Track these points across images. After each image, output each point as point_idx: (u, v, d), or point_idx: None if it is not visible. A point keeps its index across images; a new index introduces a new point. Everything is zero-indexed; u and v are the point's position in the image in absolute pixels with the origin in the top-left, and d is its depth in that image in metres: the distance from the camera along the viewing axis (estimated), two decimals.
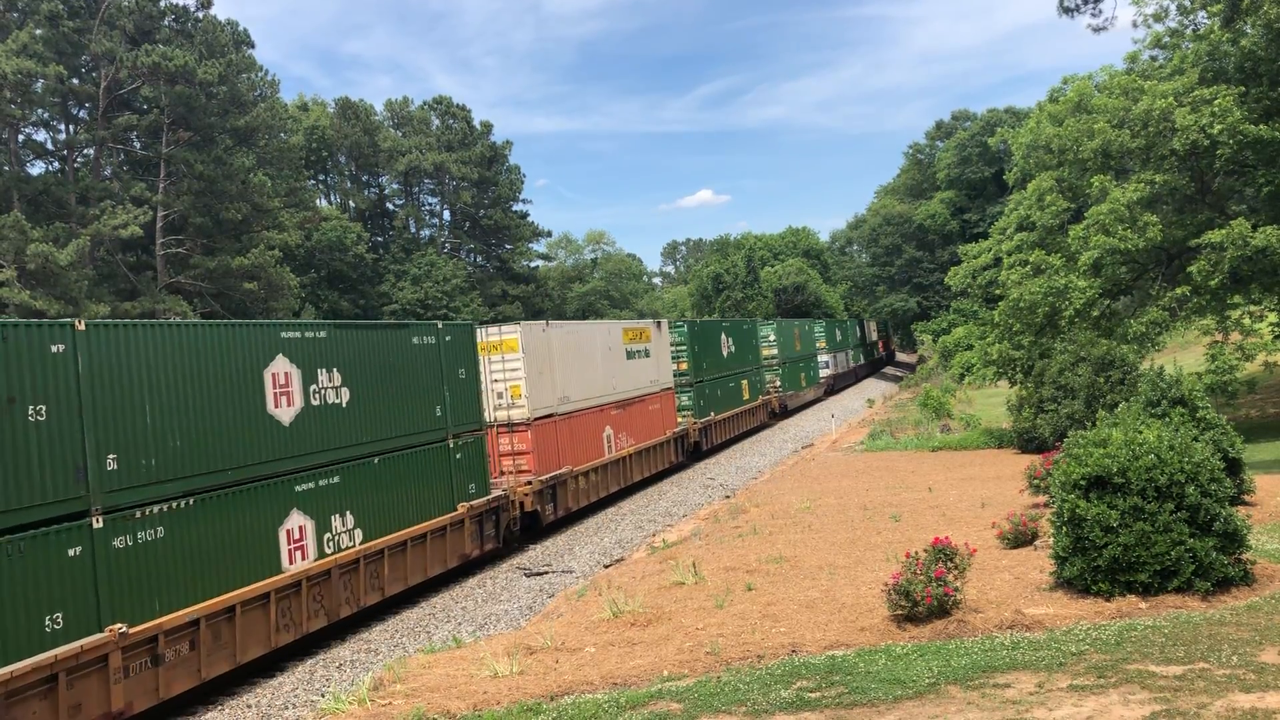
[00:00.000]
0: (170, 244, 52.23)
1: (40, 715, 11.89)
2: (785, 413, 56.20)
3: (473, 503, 21.95)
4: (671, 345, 38.29)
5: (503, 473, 25.15)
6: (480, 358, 23.83)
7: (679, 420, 37.67)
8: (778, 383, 54.44)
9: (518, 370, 25.34)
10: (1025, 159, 33.78)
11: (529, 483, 24.99)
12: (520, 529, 25.00)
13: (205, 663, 14.52)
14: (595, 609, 15.64)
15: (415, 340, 20.74)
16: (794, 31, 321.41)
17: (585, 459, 28.37)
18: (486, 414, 24.19)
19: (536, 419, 25.72)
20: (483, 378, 24.10)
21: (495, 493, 23.18)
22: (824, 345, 69.02)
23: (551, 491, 26.16)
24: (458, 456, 21.60)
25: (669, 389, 36.59)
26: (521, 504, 24.73)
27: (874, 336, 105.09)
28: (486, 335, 25.37)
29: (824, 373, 68.41)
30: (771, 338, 54.98)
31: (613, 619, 14.84)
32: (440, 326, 21.69)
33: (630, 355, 32.61)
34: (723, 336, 45.39)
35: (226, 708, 15.05)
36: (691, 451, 39.03)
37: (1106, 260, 28.71)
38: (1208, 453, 13.10)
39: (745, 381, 47.52)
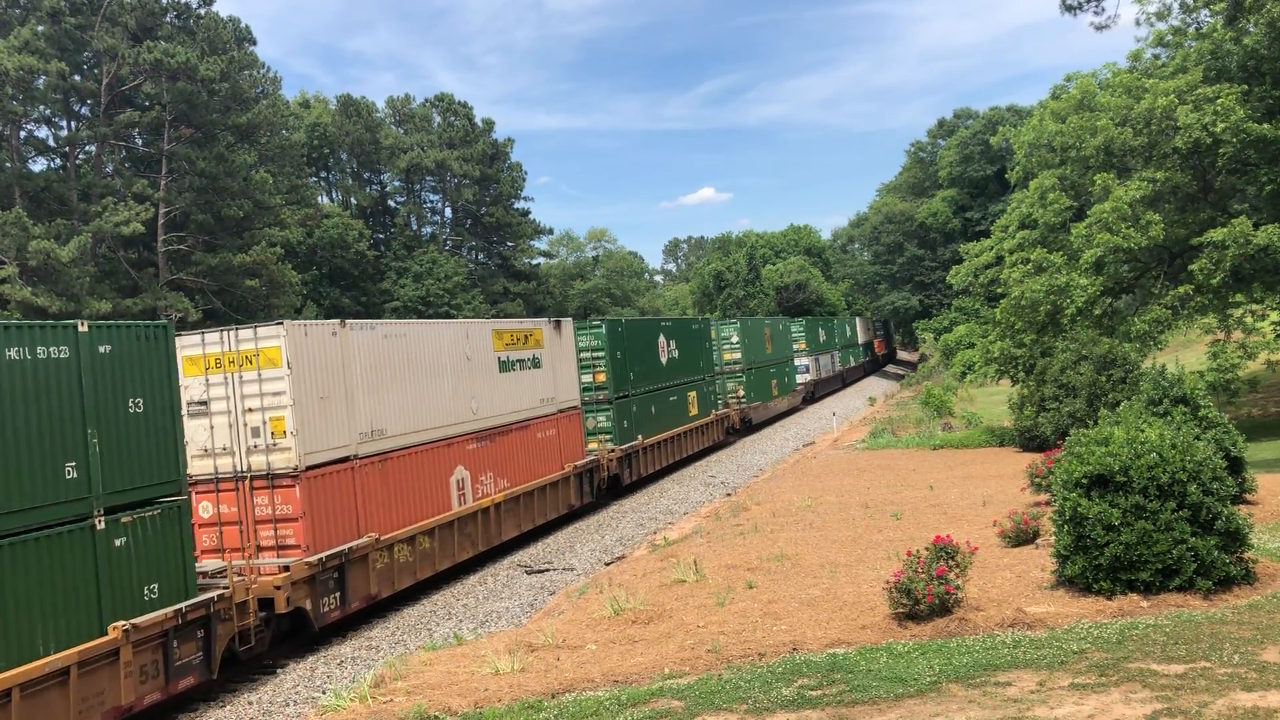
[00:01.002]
0: (172, 241, 52.22)
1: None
2: (749, 428, 48.88)
3: (145, 618, 13.57)
4: (581, 352, 30.77)
5: (260, 548, 17.03)
6: (205, 378, 17.46)
7: (589, 448, 30.02)
8: (741, 393, 47.30)
9: (281, 395, 17.16)
10: (1027, 157, 33.77)
11: (286, 568, 16.55)
12: (265, 646, 16.41)
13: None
14: (596, 606, 15.65)
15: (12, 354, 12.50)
16: (796, 29, 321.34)
17: (414, 517, 20.15)
18: (235, 459, 17.26)
19: (311, 467, 17.31)
20: (230, 404, 17.39)
21: (209, 594, 14.81)
22: (803, 347, 62.44)
23: (336, 577, 17.63)
24: (117, 544, 13.42)
25: (573, 409, 28.81)
26: (268, 606, 16.13)
27: (868, 335, 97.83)
28: (234, 343, 17.36)
29: (802, 379, 61.54)
30: (734, 339, 47.93)
31: (614, 616, 14.85)
32: (85, 330, 13.52)
33: (507, 367, 24.95)
34: (661, 340, 37.25)
35: (229, 704, 15.07)
36: (607, 487, 31.10)
37: (1109, 258, 28.71)
38: (1209, 451, 13.10)
39: (693, 394, 39.77)
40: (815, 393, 64.79)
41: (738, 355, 48.13)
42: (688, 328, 41.66)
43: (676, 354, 38.65)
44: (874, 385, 78.13)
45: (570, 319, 31.01)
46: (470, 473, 22.68)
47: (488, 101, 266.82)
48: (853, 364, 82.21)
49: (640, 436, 33.64)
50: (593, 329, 32.04)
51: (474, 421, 23.14)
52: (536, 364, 26.82)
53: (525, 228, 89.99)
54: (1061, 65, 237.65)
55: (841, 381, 75.62)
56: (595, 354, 31.64)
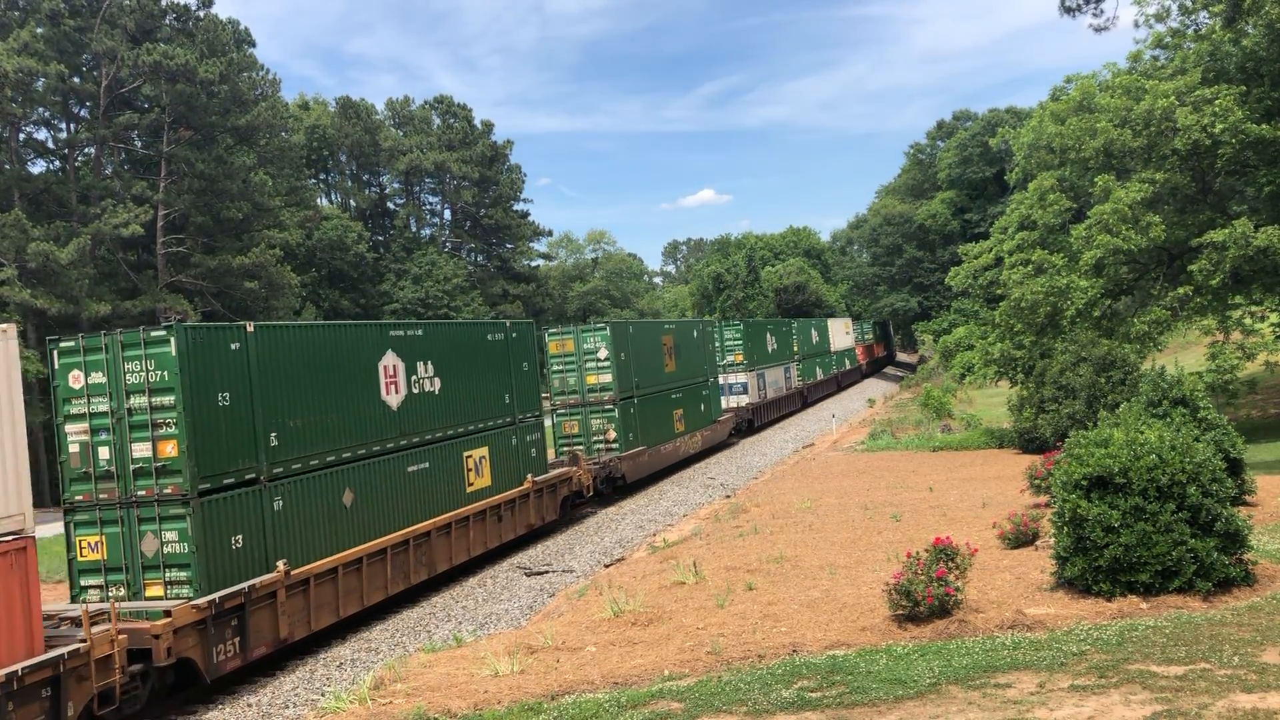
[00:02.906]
0: (171, 243, 52.22)
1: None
2: (601, 497, 30.97)
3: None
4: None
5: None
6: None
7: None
8: (612, 434, 31.30)
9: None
10: (1027, 159, 33.79)
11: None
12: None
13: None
14: (596, 608, 15.63)
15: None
16: (797, 31, 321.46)
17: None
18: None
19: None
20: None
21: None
22: (739, 360, 47.90)
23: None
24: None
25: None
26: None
27: (856, 339, 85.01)
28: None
29: (734, 402, 46.90)
30: (602, 355, 31.32)
31: (613, 618, 14.84)
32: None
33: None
34: (434, 358, 21.59)
35: (228, 706, 15.05)
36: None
37: (1108, 260, 28.72)
38: (1209, 453, 13.09)
39: (480, 451, 23.07)
40: (756, 420, 48.63)
41: (609, 379, 31.32)
42: (477, 334, 23.88)
43: (446, 382, 21.92)
44: (873, 387, 78.08)
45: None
46: None
47: (488, 103, 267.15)
48: (820, 378, 66.33)
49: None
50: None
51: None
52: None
53: (524, 229, 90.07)
54: (1061, 67, 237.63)
55: (800, 401, 59.97)
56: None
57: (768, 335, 53.62)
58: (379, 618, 19.57)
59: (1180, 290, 28.31)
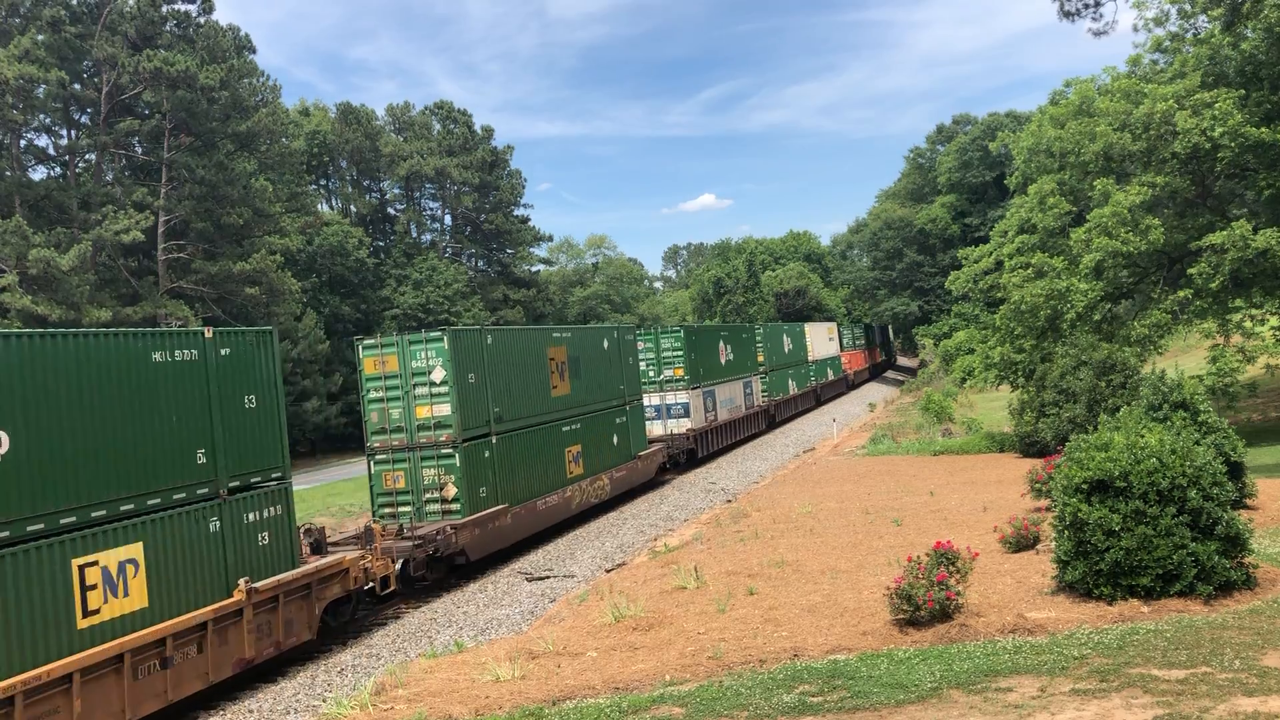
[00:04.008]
0: (172, 249, 52.25)
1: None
2: (415, 588, 22.17)
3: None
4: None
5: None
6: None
7: None
8: (451, 491, 22.73)
9: None
10: (1026, 163, 33.82)
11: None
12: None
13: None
14: (597, 613, 15.63)
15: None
16: (797, 36, 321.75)
17: None
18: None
19: None
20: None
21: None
22: (679, 375, 39.21)
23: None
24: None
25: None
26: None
27: (845, 345, 77.25)
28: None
29: (670, 428, 38.51)
30: (437, 376, 23.10)
31: (614, 623, 14.84)
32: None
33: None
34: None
35: (228, 713, 15.05)
36: None
37: (1108, 263, 28.74)
38: (1209, 456, 13.09)
39: (123, 556, 13.78)
40: (701, 449, 40.25)
41: (444, 410, 22.87)
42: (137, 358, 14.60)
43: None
44: (873, 392, 78.07)
45: None
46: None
47: (489, 109, 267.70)
48: (794, 392, 58.35)
49: None
50: None
51: None
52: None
53: (525, 235, 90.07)
54: (1060, 71, 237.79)
55: (766, 421, 51.59)
56: None
57: (720, 345, 44.71)
58: (379, 622, 19.58)
59: (1180, 293, 28.33)
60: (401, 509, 22.82)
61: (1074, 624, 12.02)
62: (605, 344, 31.88)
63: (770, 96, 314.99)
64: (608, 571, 21.81)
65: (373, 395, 23.21)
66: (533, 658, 13.57)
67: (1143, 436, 13.18)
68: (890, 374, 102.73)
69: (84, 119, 54.45)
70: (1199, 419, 17.77)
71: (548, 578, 22.43)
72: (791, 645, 12.65)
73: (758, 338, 52.58)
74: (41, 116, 52.68)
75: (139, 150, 55.09)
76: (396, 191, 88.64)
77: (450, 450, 22.63)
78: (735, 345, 47.19)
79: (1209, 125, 26.47)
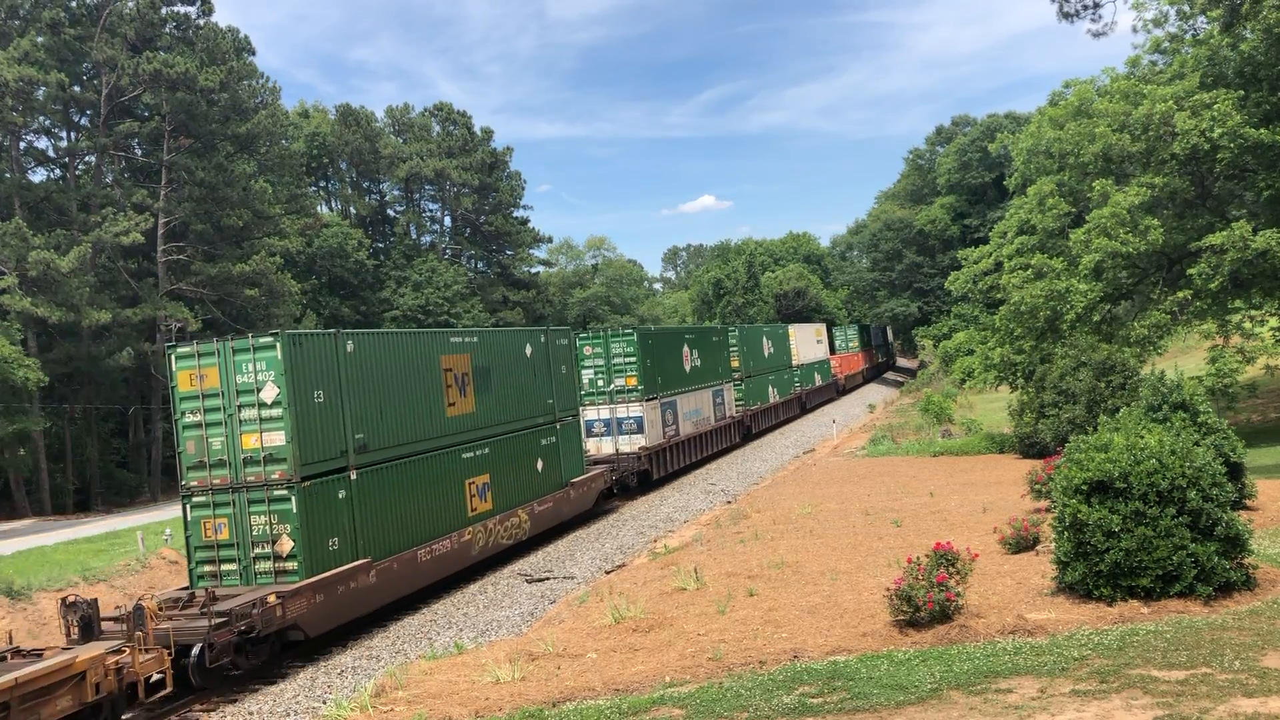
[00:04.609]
0: (171, 251, 52.25)
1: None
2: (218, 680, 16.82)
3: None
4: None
5: None
6: None
7: None
8: (287, 545, 17.73)
9: None
10: (1026, 164, 33.84)
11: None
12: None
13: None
14: (597, 615, 15.63)
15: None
16: (797, 37, 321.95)
17: None
18: None
19: None
20: None
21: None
22: (632, 385, 34.70)
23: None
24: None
25: None
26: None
27: (823, 351, 70.30)
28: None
29: (622, 446, 34.21)
30: (269, 395, 17.87)
31: (614, 625, 14.84)
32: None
33: None
34: None
35: (229, 715, 15.05)
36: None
37: (1107, 264, 28.75)
38: (1209, 457, 13.09)
39: None
40: (657, 469, 35.49)
41: (278, 439, 17.96)
42: None
43: None
44: (872, 393, 78.07)
45: None
46: None
47: (489, 110, 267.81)
48: (775, 400, 53.55)
49: None
50: None
51: None
52: None
53: (524, 236, 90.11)
54: (1060, 72, 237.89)
55: (740, 433, 46.56)
56: None
57: (684, 350, 39.85)
58: (380, 624, 19.58)
59: (1180, 294, 28.34)
60: (226, 568, 17.89)
61: (1074, 625, 12.02)
62: (528, 350, 26.68)
63: (770, 98, 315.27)
64: (607, 573, 21.82)
65: (189, 419, 18.19)
66: (532, 659, 13.57)
67: (1142, 437, 13.19)
68: (890, 375, 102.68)
69: (84, 121, 54.46)
70: (1198, 420, 17.78)
71: (547, 579, 22.43)
72: (791, 646, 12.65)
73: (731, 341, 47.93)
74: (41, 118, 52.69)
75: (139, 152, 55.10)
76: (396, 193, 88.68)
77: (284, 491, 17.50)
78: (703, 349, 42.36)
79: (1208, 126, 26.48)
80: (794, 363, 59.77)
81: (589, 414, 33.71)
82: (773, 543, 20.30)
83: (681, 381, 38.99)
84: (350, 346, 19.39)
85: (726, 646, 12.93)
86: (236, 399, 17.85)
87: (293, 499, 17.46)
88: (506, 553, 24.69)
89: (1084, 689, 9.84)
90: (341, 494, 18.60)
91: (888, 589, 13.18)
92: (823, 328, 73.83)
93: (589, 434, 33.47)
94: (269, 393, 17.64)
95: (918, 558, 13.13)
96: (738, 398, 47.17)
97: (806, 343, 64.49)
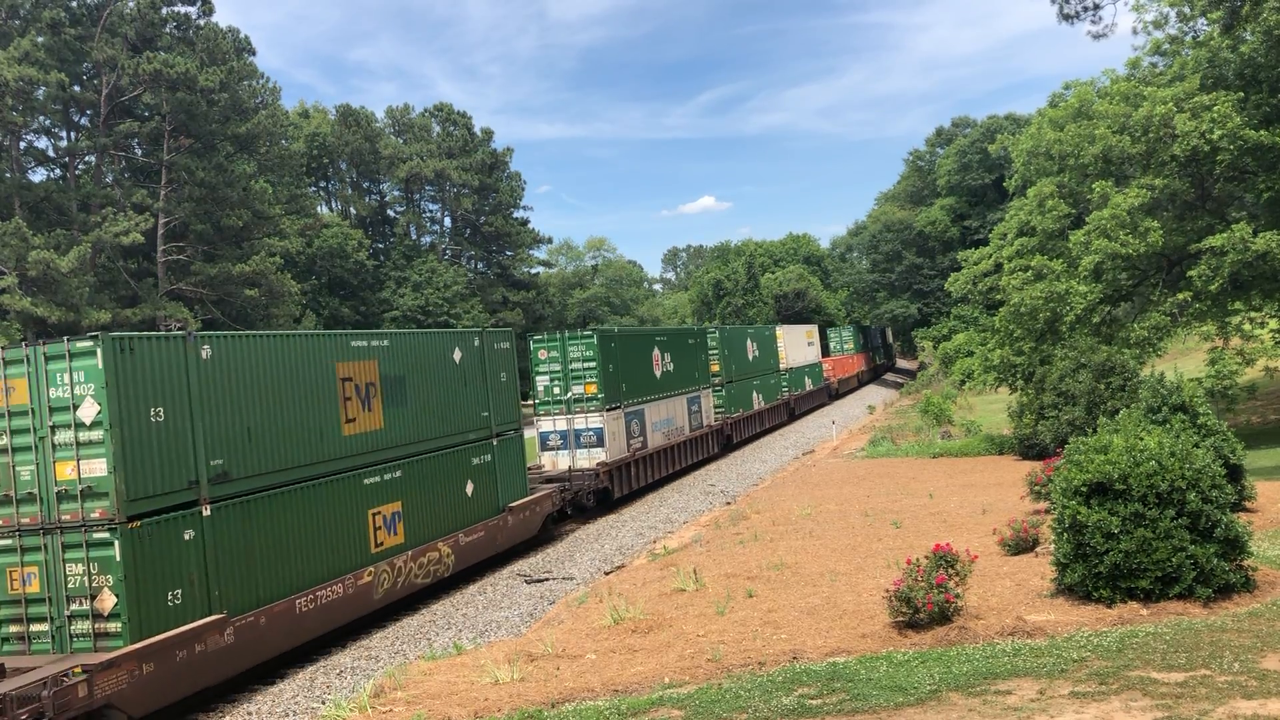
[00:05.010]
0: (171, 251, 52.28)
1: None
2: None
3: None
4: None
5: None
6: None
7: None
8: (108, 601, 13.90)
9: None
10: (1026, 165, 33.85)
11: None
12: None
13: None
14: (596, 616, 15.63)
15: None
16: (797, 38, 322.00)
17: None
18: None
19: None
20: None
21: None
22: (591, 392, 30.79)
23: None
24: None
25: None
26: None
27: (814, 354, 66.93)
28: None
29: (580, 461, 30.36)
30: (88, 414, 14.15)
31: (614, 626, 14.83)
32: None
33: None
34: None
35: (227, 715, 15.04)
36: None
37: (1107, 265, 28.76)
38: (1209, 459, 13.09)
39: None
40: (619, 486, 31.35)
41: (98, 468, 14.21)
42: None
43: None
44: (873, 394, 78.07)
45: None
46: None
47: (489, 111, 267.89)
48: (760, 406, 50.32)
49: None
50: None
51: None
52: None
53: (524, 237, 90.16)
54: (1060, 73, 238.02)
55: (719, 443, 43.24)
56: None
57: (655, 353, 36.19)
58: (379, 625, 19.57)
59: (1179, 296, 28.35)
60: (36, 628, 14.31)
61: (1073, 626, 12.02)
62: (457, 355, 22.95)
63: (770, 99, 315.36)
64: (607, 574, 21.81)
65: None
66: (532, 660, 13.56)
67: (1142, 439, 13.19)
68: (890, 376, 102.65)
69: (84, 121, 54.51)
70: (1198, 421, 17.79)
71: (547, 580, 22.42)
72: (791, 647, 12.65)
73: (710, 344, 44.59)
74: (41, 118, 52.75)
75: (139, 152, 55.13)
76: (396, 193, 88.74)
77: (106, 534, 13.95)
78: (677, 353, 38.78)
79: (1208, 128, 26.50)
80: (782, 366, 56.84)
81: (544, 425, 30.75)
82: (772, 544, 20.29)
83: (651, 388, 35.26)
84: (207, 352, 15.70)
85: (726, 648, 12.92)
86: (50, 418, 14.28)
87: (116, 543, 13.86)
88: (506, 554, 24.65)
89: (1083, 691, 9.84)
90: (188, 535, 14.92)
91: (887, 590, 13.18)
92: (814, 329, 70.39)
93: (544, 447, 30.59)
94: (88, 410, 14.05)
95: (917, 559, 13.13)
96: (717, 405, 44.01)
97: (796, 345, 61.35)
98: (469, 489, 22.80)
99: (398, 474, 20.10)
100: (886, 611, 13.15)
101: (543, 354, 31.07)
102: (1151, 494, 12.39)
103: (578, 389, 30.78)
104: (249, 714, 15.01)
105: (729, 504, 29.59)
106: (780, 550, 19.36)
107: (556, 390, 30.85)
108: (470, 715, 11.50)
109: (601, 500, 30.63)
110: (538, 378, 30.90)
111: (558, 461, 30.44)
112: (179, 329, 46.47)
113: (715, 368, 44.76)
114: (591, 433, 30.55)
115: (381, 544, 19.39)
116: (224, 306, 53.82)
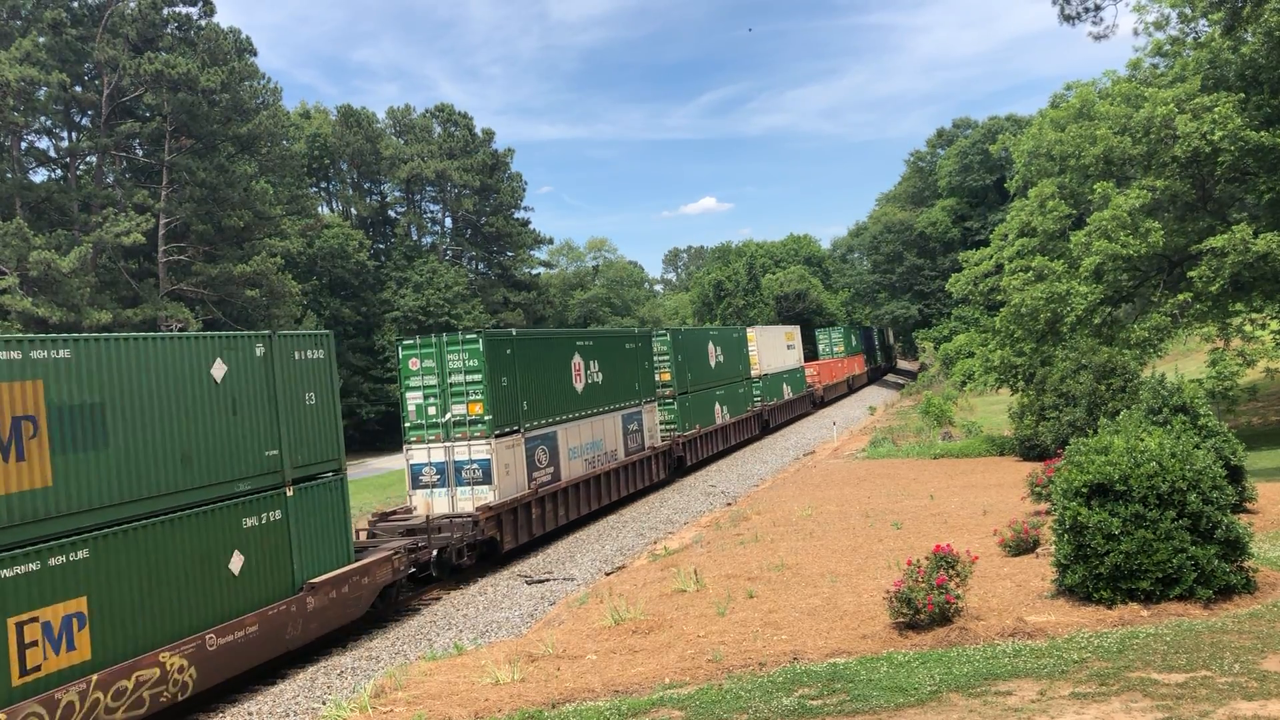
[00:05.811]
0: (172, 251, 52.29)
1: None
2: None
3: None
4: None
5: None
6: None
7: None
8: None
9: None
10: (1027, 166, 33.86)
11: None
12: None
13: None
14: (597, 616, 15.63)
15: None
16: (798, 39, 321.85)
17: None
18: None
19: None
20: None
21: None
22: (477, 413, 24.41)
23: None
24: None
25: None
26: None
27: (795, 358, 61.45)
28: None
29: (461, 504, 24.15)
30: None
31: (614, 626, 14.83)
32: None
33: None
34: None
35: (227, 715, 15.04)
36: None
37: (1108, 266, 28.76)
38: (1209, 460, 13.09)
39: None
40: (511, 534, 24.67)
41: None
42: None
43: None
44: (873, 395, 78.06)
45: None
46: None
47: (490, 112, 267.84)
48: (723, 420, 44.41)
49: None
50: None
51: None
52: None
53: (525, 237, 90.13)
54: (1061, 74, 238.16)
55: (667, 466, 37.01)
56: None
57: (575, 361, 29.69)
58: (379, 625, 19.58)
59: (1180, 297, 28.35)
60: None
61: (1074, 627, 12.02)
62: (217, 370, 15.95)
63: (771, 100, 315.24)
64: (607, 574, 21.82)
65: None
66: (532, 660, 13.56)
67: (1142, 440, 13.19)
68: (890, 378, 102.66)
69: (85, 121, 54.51)
70: (1199, 422, 17.78)
71: (547, 580, 22.42)
72: (791, 648, 12.65)
73: (658, 348, 38.38)
74: (42, 119, 52.75)
75: (140, 153, 55.14)
76: (397, 194, 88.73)
77: None
78: (609, 361, 32.03)
79: (1209, 129, 26.50)
80: (754, 373, 50.97)
81: (415, 456, 24.48)
82: (773, 545, 20.30)
83: (567, 406, 28.78)
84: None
85: (726, 648, 12.92)
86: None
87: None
88: (505, 555, 24.56)
89: (1084, 691, 9.84)
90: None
91: (888, 591, 13.18)
92: (795, 330, 64.24)
93: (415, 485, 24.45)
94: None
95: (918, 560, 13.13)
96: (667, 421, 38.00)
97: (772, 348, 55.08)
98: (234, 564, 15.83)
99: (81, 554, 13.22)
100: (887, 612, 13.15)
101: (414, 363, 24.66)
102: (1152, 495, 12.39)
103: (459, 409, 24.44)
104: (249, 714, 15.01)
105: (729, 505, 29.60)
106: (781, 551, 19.36)
107: (432, 411, 24.57)
108: (471, 715, 11.50)
109: (487, 555, 24.15)
110: (408, 395, 24.70)
111: (433, 504, 24.23)
112: (180, 329, 46.51)
113: (665, 377, 38.92)
114: (476, 465, 24.21)
115: (38, 667, 12.48)
116: (225, 307, 53.82)
